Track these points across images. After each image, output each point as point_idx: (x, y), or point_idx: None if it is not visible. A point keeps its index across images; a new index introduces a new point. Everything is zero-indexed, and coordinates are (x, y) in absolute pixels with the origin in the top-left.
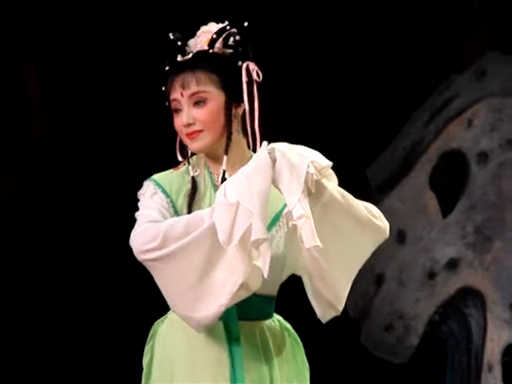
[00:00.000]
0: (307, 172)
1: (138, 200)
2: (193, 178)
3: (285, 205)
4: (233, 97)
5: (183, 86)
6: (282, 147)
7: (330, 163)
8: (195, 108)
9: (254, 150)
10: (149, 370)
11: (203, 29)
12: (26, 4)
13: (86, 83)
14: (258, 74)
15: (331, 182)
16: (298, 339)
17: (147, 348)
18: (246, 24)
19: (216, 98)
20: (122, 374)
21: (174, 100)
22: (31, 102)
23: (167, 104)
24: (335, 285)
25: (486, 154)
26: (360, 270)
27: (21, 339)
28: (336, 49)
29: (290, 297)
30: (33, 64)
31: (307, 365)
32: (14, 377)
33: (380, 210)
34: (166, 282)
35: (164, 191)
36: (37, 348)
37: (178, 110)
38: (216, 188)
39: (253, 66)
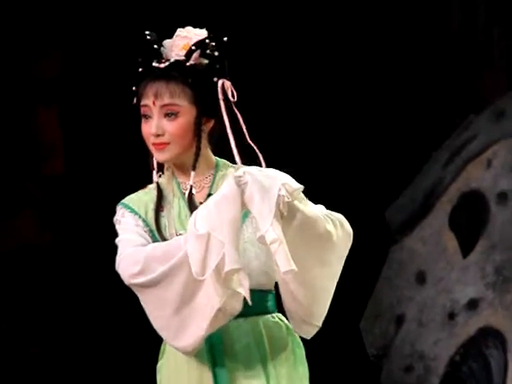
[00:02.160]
0: (278, 195)
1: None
2: (157, 183)
3: None
4: (203, 112)
5: (156, 96)
6: (253, 170)
7: (302, 186)
8: (165, 119)
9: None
10: None
11: (180, 32)
12: (45, 43)
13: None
14: (232, 94)
15: (302, 205)
16: (298, 338)
17: (158, 366)
18: (225, 39)
19: (188, 112)
20: None
21: (145, 106)
22: (49, 142)
23: (135, 104)
24: (309, 303)
25: (506, 194)
26: (380, 311)
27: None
28: (357, 91)
29: (311, 341)
30: (54, 104)
31: (306, 365)
32: None
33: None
34: (150, 308)
35: (133, 211)
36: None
37: (147, 116)
38: (184, 198)
39: (228, 85)
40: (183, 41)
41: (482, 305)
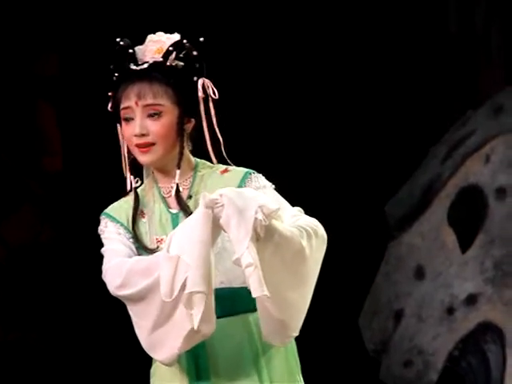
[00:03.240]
0: (255, 218)
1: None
2: (135, 190)
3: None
4: (186, 112)
5: (139, 96)
6: (229, 193)
7: (279, 207)
8: (149, 119)
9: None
10: None
11: (152, 38)
12: (44, 42)
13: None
14: (213, 91)
15: (279, 222)
16: None
17: (152, 370)
18: (201, 39)
19: (170, 112)
20: None
21: (127, 108)
22: (48, 137)
23: (111, 110)
24: (284, 318)
25: (504, 190)
26: (379, 306)
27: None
28: (357, 87)
29: (307, 334)
30: (48, 102)
31: (298, 359)
32: None
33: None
34: (134, 318)
35: (114, 219)
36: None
37: (129, 119)
38: (165, 201)
39: (208, 83)
40: (156, 45)
41: (481, 300)
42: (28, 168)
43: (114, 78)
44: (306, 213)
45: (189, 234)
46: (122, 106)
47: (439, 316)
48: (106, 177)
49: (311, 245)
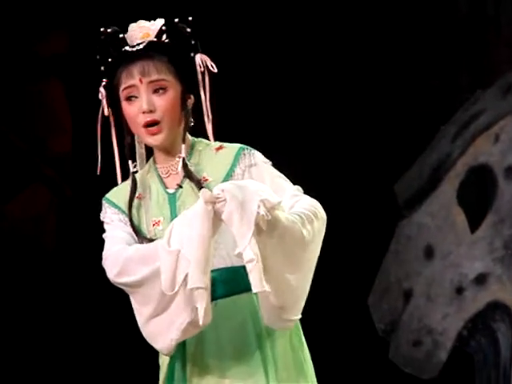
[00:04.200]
0: (257, 213)
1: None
2: (133, 174)
3: (227, 174)
4: (187, 88)
5: (143, 73)
6: (231, 187)
7: (281, 200)
8: (154, 95)
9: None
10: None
11: (135, 25)
12: (52, 17)
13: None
14: (212, 66)
15: (281, 212)
16: None
17: (161, 361)
18: (190, 18)
19: (174, 87)
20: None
21: (130, 87)
22: (58, 117)
23: (102, 96)
24: (285, 304)
25: None
26: (388, 286)
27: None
28: (367, 66)
29: (316, 314)
30: (61, 81)
31: (302, 335)
32: None
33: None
34: (135, 306)
35: (114, 204)
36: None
37: (132, 98)
38: (162, 182)
39: (206, 58)
40: (141, 30)
41: (490, 279)
42: (37, 149)
43: (108, 63)
44: (317, 194)
45: (189, 229)
46: (124, 85)
47: (449, 295)
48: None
49: (312, 229)
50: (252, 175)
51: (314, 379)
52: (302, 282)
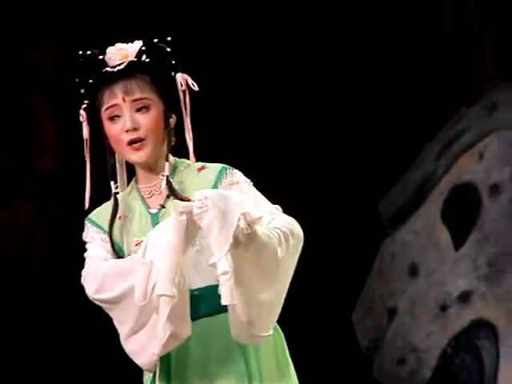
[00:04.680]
0: (237, 225)
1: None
2: (114, 194)
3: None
4: (170, 107)
5: (126, 92)
6: (214, 196)
7: (262, 215)
8: (138, 114)
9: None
10: None
11: (113, 48)
12: (39, 37)
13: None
14: (193, 84)
15: (260, 227)
16: (279, 328)
17: (144, 380)
18: (169, 38)
19: (157, 105)
20: None
21: (113, 106)
22: (42, 135)
23: (83, 119)
24: (255, 320)
25: (498, 187)
26: (372, 303)
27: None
28: (351, 84)
29: (300, 330)
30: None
31: (286, 349)
32: None
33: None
34: (115, 323)
35: (96, 224)
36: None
37: (114, 118)
38: (145, 202)
39: (186, 77)
40: (120, 52)
41: (474, 297)
42: (22, 166)
43: (88, 85)
44: (300, 211)
45: (162, 240)
46: (106, 105)
47: (433, 313)
48: (100, 175)
49: (287, 247)
50: None
51: None
52: (273, 298)
